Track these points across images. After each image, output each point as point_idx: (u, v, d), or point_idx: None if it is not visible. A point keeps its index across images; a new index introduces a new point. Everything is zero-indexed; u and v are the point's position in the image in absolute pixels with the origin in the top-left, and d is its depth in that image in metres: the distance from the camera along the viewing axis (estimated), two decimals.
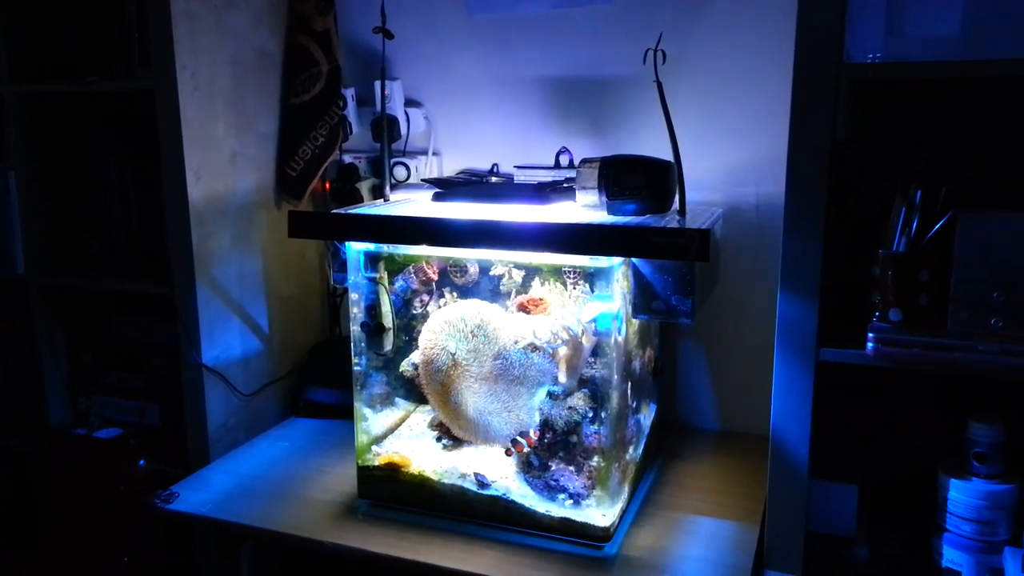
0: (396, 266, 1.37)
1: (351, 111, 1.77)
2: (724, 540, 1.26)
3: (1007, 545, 1.12)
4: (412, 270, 1.37)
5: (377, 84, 1.66)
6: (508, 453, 1.29)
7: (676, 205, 1.30)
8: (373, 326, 1.32)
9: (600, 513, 1.24)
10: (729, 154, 1.56)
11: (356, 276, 1.34)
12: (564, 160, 1.50)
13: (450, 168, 1.78)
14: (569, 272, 1.27)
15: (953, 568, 1.16)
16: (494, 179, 1.68)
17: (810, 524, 1.21)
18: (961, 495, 1.15)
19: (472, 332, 1.28)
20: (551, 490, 1.28)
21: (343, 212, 1.30)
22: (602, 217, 1.24)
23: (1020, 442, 1.18)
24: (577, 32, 1.63)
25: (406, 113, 1.74)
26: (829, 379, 1.15)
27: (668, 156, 1.26)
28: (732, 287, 1.57)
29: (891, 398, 1.34)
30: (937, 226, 1.07)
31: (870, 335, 1.09)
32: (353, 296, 1.36)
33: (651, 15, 1.56)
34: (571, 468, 1.28)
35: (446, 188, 1.36)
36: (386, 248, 1.31)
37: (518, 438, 1.27)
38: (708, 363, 1.67)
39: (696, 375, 1.68)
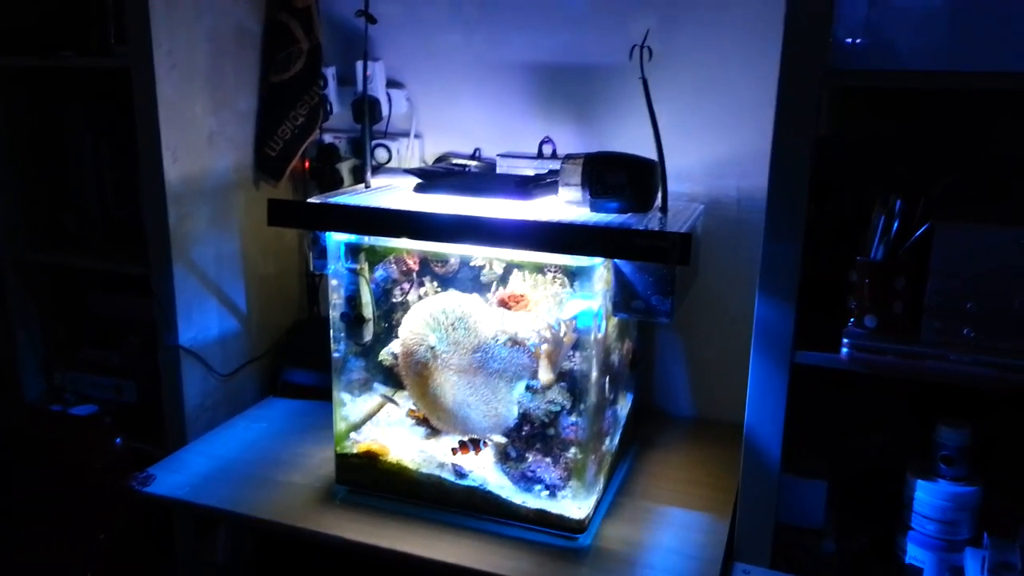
0: (377, 257, 1.36)
1: (331, 90, 1.75)
2: (695, 532, 1.29)
3: (968, 545, 1.16)
4: (393, 260, 1.36)
5: (359, 64, 1.64)
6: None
7: (659, 201, 1.30)
8: (353, 317, 1.32)
9: (575, 506, 1.26)
10: (712, 146, 1.56)
11: (336, 265, 1.33)
12: (547, 150, 1.49)
13: (432, 151, 1.76)
14: (551, 268, 1.27)
15: (916, 565, 1.20)
16: (475, 163, 1.67)
17: (779, 516, 1.23)
18: (927, 496, 1.18)
19: (453, 325, 1.28)
20: (528, 481, 1.29)
21: (323, 202, 1.29)
22: (584, 214, 1.24)
23: (985, 444, 1.21)
24: (564, 18, 1.61)
25: (388, 94, 1.71)
26: (803, 376, 1.17)
27: (652, 146, 1.25)
28: (711, 278, 1.58)
29: (863, 397, 1.36)
30: (914, 236, 1.08)
31: (845, 340, 1.11)
32: (333, 282, 1.35)
33: (639, 3, 1.55)
34: (548, 460, 1.29)
35: (428, 179, 1.35)
36: (367, 239, 1.31)
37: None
38: (685, 352, 1.69)
39: (673, 363, 1.70)
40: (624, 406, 1.50)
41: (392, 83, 1.74)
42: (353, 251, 1.32)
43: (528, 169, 1.50)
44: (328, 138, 1.77)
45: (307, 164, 1.78)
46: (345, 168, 1.78)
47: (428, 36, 1.71)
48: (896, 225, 1.10)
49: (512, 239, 1.17)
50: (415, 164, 1.77)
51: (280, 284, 1.85)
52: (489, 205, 1.26)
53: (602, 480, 1.36)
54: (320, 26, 1.70)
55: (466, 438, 1.33)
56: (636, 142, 1.55)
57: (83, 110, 1.73)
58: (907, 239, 1.10)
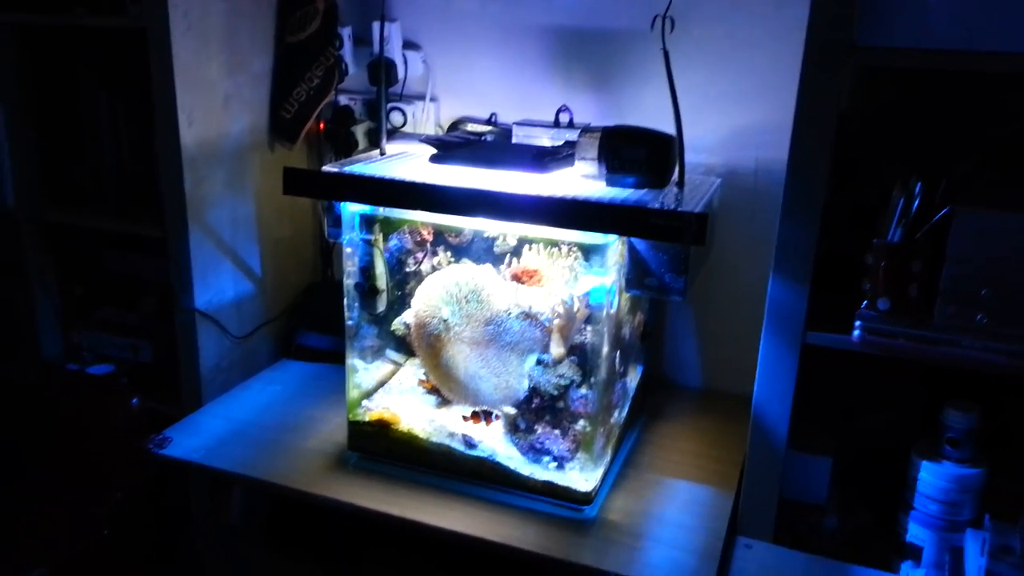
0: (391, 227, 1.36)
1: (347, 51, 1.73)
2: (700, 505, 1.30)
3: (969, 527, 1.17)
4: (407, 230, 1.37)
5: (375, 25, 1.62)
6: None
7: (675, 176, 1.29)
8: (367, 288, 1.33)
9: (583, 478, 1.28)
10: (732, 117, 1.54)
11: (351, 234, 1.34)
12: (564, 119, 1.47)
13: (447, 115, 1.75)
14: (565, 243, 1.27)
15: (916, 544, 1.22)
16: (490, 128, 1.66)
17: (783, 491, 1.25)
18: (931, 477, 1.19)
19: (466, 298, 1.29)
20: (536, 452, 1.31)
21: (339, 171, 1.28)
22: (601, 188, 1.24)
23: (992, 427, 1.22)
24: None
25: (404, 56, 1.69)
26: (813, 353, 1.17)
27: (669, 115, 1.23)
28: (726, 249, 1.57)
29: (871, 375, 1.37)
30: (934, 220, 1.07)
31: (857, 323, 1.11)
32: (347, 250, 1.36)
33: None
34: (556, 432, 1.31)
35: (444, 149, 1.35)
36: (382, 210, 1.31)
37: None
38: (696, 323, 1.69)
39: (683, 334, 1.70)
40: (633, 378, 1.52)
41: (408, 44, 1.72)
42: (368, 222, 1.33)
43: (544, 138, 1.49)
44: (343, 100, 1.76)
45: (322, 126, 1.78)
46: (360, 131, 1.77)
47: None
48: (915, 207, 1.09)
49: (528, 214, 1.17)
50: (430, 128, 1.75)
51: (294, 246, 1.86)
52: (505, 178, 1.26)
53: (609, 452, 1.38)
54: None
55: (479, 409, 1.35)
56: (654, 110, 1.55)
57: (97, 67, 1.73)
58: (926, 222, 1.09)
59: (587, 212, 1.14)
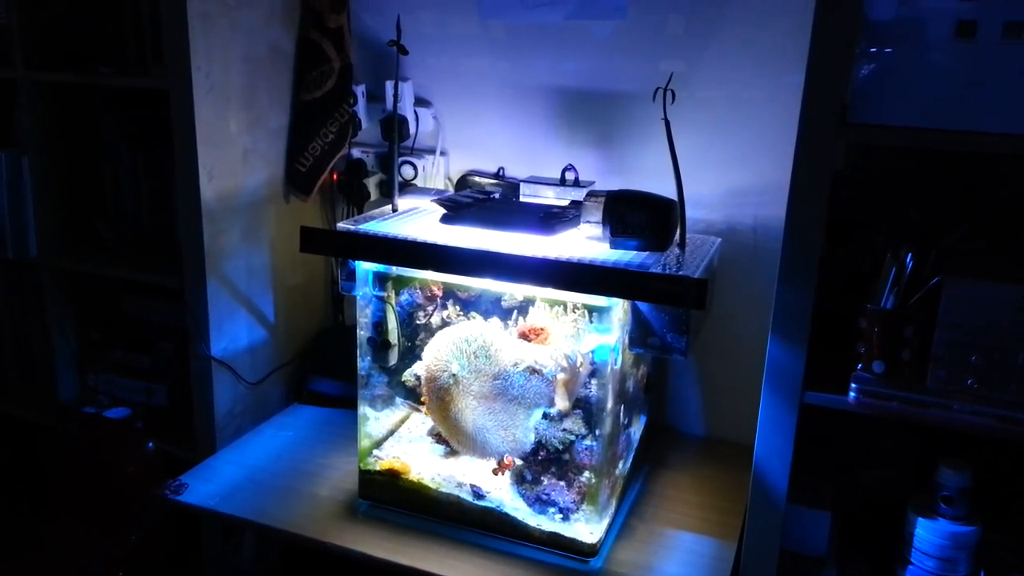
0: (403, 283, 1.41)
1: (361, 107, 1.79)
2: (702, 557, 1.34)
3: None
4: (418, 285, 1.41)
5: (388, 84, 1.69)
6: (495, 472, 1.38)
7: (677, 237, 1.34)
8: (379, 342, 1.37)
9: (588, 530, 1.31)
10: (731, 174, 1.59)
11: (365, 289, 1.39)
12: (570, 176, 1.53)
13: (456, 168, 1.81)
14: (570, 302, 1.32)
15: None
16: (497, 182, 1.72)
17: (783, 543, 1.28)
18: (927, 533, 1.23)
19: (475, 353, 1.33)
20: (542, 504, 1.35)
21: (354, 231, 1.34)
22: (605, 250, 1.29)
23: (985, 483, 1.25)
24: (589, 44, 1.64)
25: (415, 112, 1.76)
26: (813, 408, 1.21)
27: (671, 173, 1.28)
28: (726, 302, 1.62)
29: (869, 431, 1.40)
30: (924, 289, 1.12)
31: (853, 385, 1.15)
32: (361, 303, 1.41)
33: (663, 32, 1.58)
34: (562, 483, 1.35)
35: (455, 209, 1.40)
36: (395, 268, 1.36)
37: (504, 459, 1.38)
38: (698, 372, 1.73)
39: (686, 384, 1.74)
40: (637, 428, 1.55)
41: (420, 101, 1.79)
42: (381, 279, 1.37)
43: (550, 192, 1.54)
44: (356, 152, 1.82)
45: (335, 178, 1.83)
46: (372, 183, 1.83)
47: (456, 57, 1.75)
48: (907, 275, 1.14)
49: (534, 276, 1.22)
50: (440, 180, 1.81)
51: (306, 293, 1.91)
52: (513, 239, 1.31)
53: (614, 503, 1.41)
54: (351, 45, 1.74)
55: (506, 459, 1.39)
56: (656, 168, 1.61)
57: (119, 119, 1.79)
58: (917, 289, 1.13)
59: (592, 276, 1.19)
